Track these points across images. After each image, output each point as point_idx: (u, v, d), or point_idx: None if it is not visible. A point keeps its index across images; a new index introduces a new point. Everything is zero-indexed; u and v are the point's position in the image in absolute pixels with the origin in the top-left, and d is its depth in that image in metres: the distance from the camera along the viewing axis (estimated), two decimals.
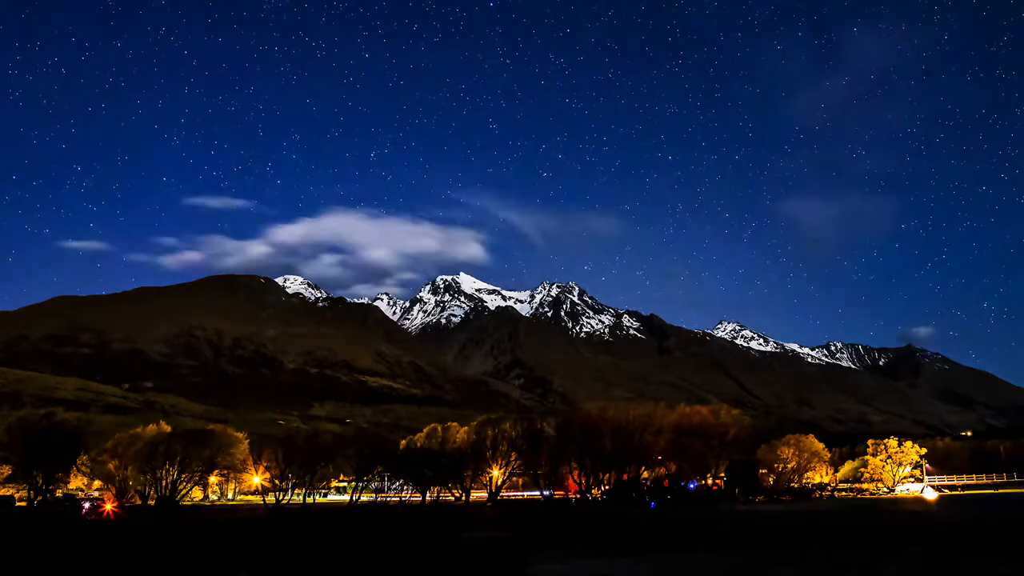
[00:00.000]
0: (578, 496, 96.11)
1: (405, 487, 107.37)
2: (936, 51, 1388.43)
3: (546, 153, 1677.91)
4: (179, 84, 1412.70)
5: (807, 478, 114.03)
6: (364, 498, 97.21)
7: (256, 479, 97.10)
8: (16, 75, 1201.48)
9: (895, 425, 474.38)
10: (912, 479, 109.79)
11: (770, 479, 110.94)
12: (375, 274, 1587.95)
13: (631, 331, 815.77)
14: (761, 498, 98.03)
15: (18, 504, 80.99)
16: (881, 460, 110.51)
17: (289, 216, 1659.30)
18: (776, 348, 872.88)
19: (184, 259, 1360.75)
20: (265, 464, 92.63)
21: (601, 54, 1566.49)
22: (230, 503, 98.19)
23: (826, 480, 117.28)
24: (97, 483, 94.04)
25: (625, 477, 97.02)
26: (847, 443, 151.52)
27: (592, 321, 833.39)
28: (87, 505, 72.86)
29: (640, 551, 27.15)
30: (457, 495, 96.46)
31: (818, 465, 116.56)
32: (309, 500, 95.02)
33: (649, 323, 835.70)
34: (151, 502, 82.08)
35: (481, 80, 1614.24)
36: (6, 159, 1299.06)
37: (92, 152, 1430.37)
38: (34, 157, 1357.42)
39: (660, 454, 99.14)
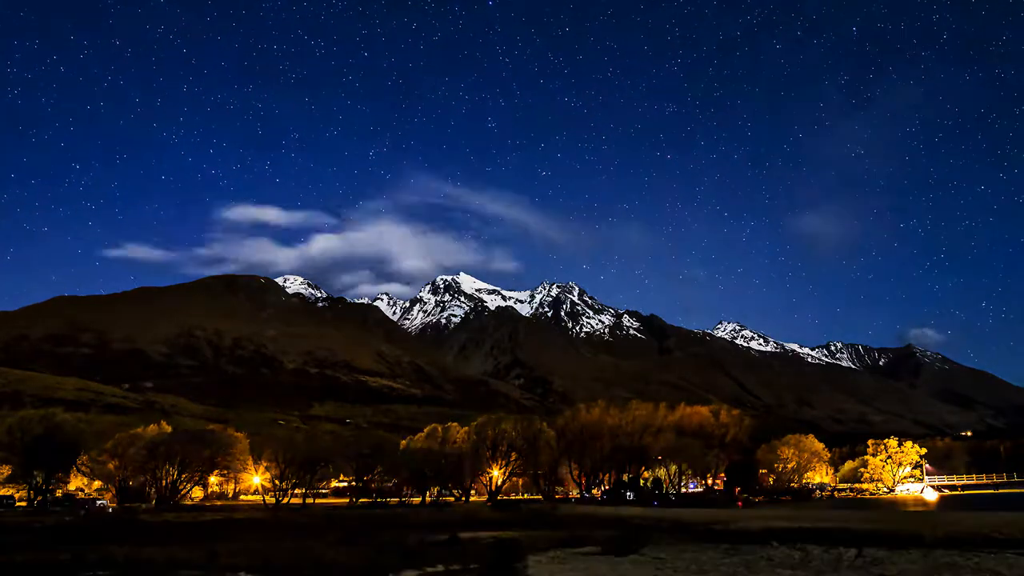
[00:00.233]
0: (578, 496, 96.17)
1: (405, 487, 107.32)
2: (935, 50, 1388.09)
3: (545, 152, 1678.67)
4: (178, 82, 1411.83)
5: (807, 478, 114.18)
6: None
7: (256, 479, 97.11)
8: (15, 73, 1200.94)
9: (895, 425, 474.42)
10: (912, 479, 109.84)
11: (770, 479, 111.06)
12: (375, 274, 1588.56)
13: (631, 331, 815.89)
14: (761, 498, 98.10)
15: (18, 504, 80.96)
16: (881, 460, 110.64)
17: (287, 214, 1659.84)
18: (776, 348, 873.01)
19: (184, 258, 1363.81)
20: (265, 464, 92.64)
21: (600, 53, 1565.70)
22: (230, 502, 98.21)
23: (826, 480, 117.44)
24: (97, 483, 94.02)
25: (625, 477, 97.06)
26: (847, 443, 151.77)
27: (592, 321, 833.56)
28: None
29: (640, 551, 27.15)
30: (457, 495, 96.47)
31: (818, 465, 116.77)
32: (309, 500, 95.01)
33: (649, 323, 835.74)
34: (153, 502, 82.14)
35: (480, 79, 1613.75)
36: (4, 157, 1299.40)
37: (91, 151, 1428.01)
38: (32, 155, 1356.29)
39: (660, 454, 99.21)
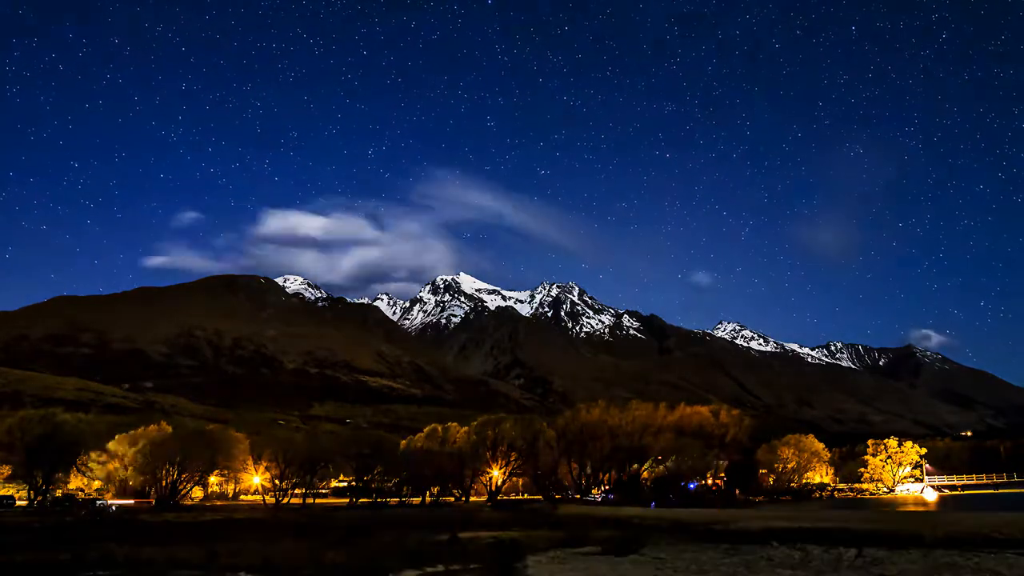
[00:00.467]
0: (578, 496, 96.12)
1: (405, 487, 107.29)
2: (934, 50, 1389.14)
3: (544, 151, 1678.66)
4: (177, 81, 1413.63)
5: (807, 478, 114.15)
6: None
7: (256, 479, 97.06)
8: (13, 72, 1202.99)
9: (895, 425, 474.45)
10: (912, 479, 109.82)
11: (770, 479, 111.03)
12: (374, 273, 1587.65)
13: (631, 331, 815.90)
14: (761, 498, 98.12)
15: (18, 504, 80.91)
16: (881, 460, 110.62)
17: (287, 212, 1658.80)
18: (776, 348, 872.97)
19: (183, 257, 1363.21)
20: (265, 464, 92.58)
21: (599, 52, 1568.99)
22: (230, 502, 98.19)
23: (826, 480, 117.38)
24: (97, 483, 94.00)
25: (625, 477, 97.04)
26: (847, 443, 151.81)
27: (592, 321, 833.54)
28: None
29: (640, 551, 27.16)
30: (457, 495, 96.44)
31: (818, 465, 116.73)
32: (309, 500, 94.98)
33: (649, 323, 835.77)
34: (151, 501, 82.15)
35: (479, 77, 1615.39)
36: (3, 155, 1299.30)
37: (89, 149, 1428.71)
38: (31, 154, 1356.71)
39: (660, 454, 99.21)
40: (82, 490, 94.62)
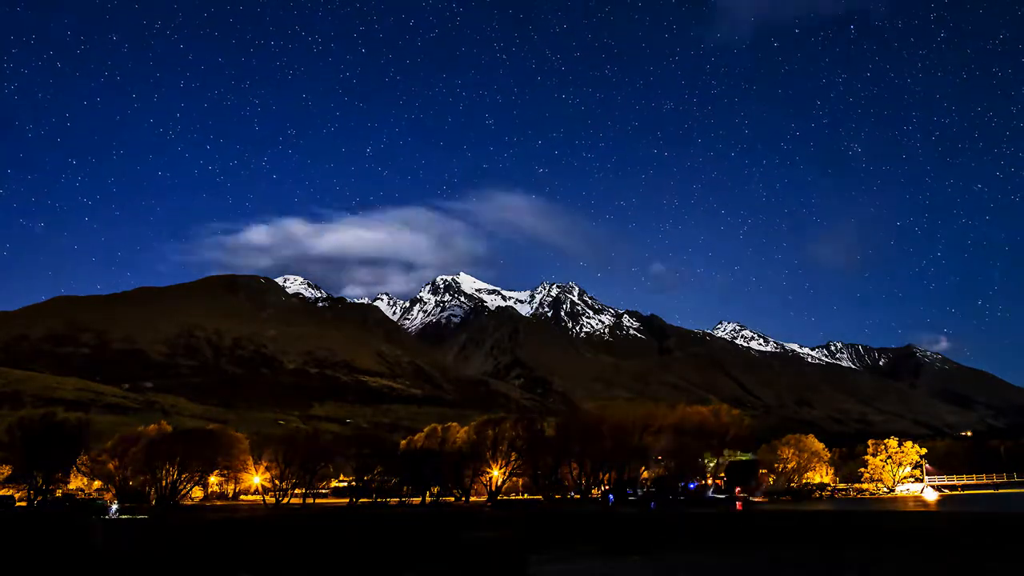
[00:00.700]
0: (578, 496, 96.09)
1: (404, 487, 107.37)
2: (932, 49, 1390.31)
3: (542, 149, 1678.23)
4: (175, 78, 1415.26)
5: (807, 478, 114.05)
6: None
7: (256, 479, 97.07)
8: (11, 68, 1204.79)
9: (895, 425, 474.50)
10: (912, 479, 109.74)
11: (770, 479, 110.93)
12: (375, 273, 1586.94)
13: (631, 331, 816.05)
14: (761, 498, 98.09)
15: (18, 504, 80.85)
16: (881, 460, 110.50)
17: (285, 211, 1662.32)
18: (776, 348, 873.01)
19: (182, 256, 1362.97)
20: (265, 464, 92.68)
21: (598, 50, 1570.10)
22: (230, 502, 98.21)
23: (826, 480, 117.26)
24: (97, 483, 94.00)
25: (625, 477, 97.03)
26: (847, 443, 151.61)
27: (592, 321, 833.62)
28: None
29: (640, 551, 27.16)
30: (457, 495, 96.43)
31: (818, 465, 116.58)
32: (309, 500, 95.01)
33: (649, 323, 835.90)
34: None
35: (477, 76, 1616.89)
36: (1, 153, 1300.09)
37: (87, 146, 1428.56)
38: (29, 151, 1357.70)
39: (660, 454, 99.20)
40: (82, 490, 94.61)
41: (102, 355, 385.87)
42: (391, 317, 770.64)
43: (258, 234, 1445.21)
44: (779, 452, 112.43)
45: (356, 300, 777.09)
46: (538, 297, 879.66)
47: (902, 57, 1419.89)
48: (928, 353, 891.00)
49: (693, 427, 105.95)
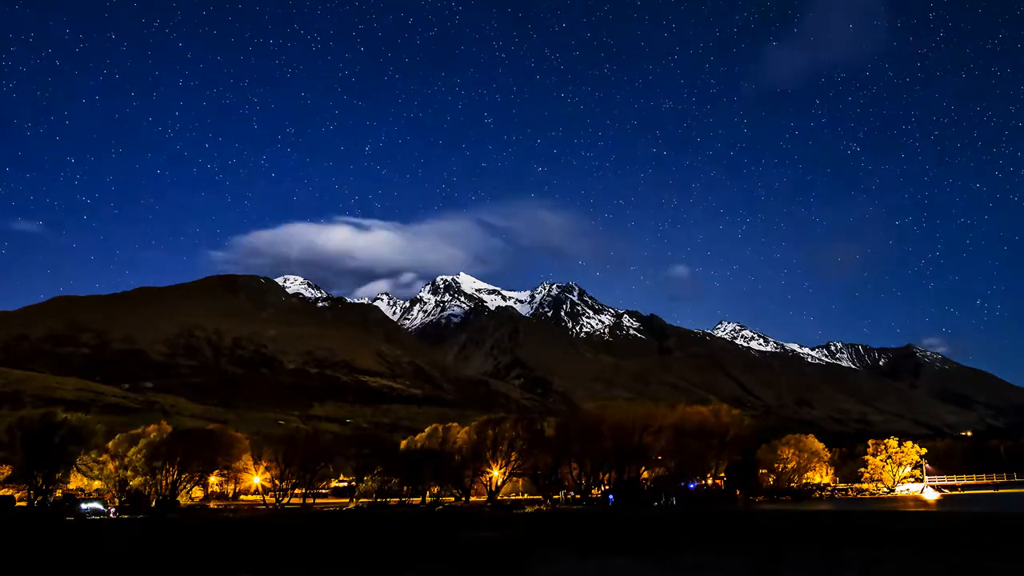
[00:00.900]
0: (578, 496, 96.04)
1: (404, 487, 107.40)
2: (932, 48, 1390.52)
3: (541, 148, 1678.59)
4: (174, 77, 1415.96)
5: (807, 478, 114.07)
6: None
7: (256, 479, 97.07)
8: (10, 67, 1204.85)
9: (895, 425, 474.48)
10: (912, 479, 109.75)
11: (770, 479, 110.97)
12: (375, 273, 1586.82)
13: (631, 331, 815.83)
14: (761, 498, 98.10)
15: (18, 504, 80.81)
16: (881, 460, 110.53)
17: (284, 210, 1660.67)
18: (776, 348, 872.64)
19: (182, 255, 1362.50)
20: (265, 464, 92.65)
21: (596, 49, 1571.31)
22: (230, 502, 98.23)
23: (826, 480, 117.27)
24: (97, 483, 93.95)
25: (625, 477, 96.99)
26: (847, 443, 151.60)
27: (592, 321, 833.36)
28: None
29: (640, 551, 27.15)
30: (457, 495, 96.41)
31: (818, 465, 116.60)
32: (309, 501, 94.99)
33: (649, 323, 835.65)
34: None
35: (476, 74, 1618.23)
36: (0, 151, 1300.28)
37: (86, 145, 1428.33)
38: (28, 149, 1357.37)
39: (660, 454, 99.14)
40: (82, 490, 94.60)
41: (102, 355, 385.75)
42: (391, 317, 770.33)
43: (258, 233, 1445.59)
44: (779, 452, 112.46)
45: (356, 300, 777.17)
46: (538, 297, 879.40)
47: (901, 56, 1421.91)
48: (928, 353, 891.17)
49: (693, 427, 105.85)
